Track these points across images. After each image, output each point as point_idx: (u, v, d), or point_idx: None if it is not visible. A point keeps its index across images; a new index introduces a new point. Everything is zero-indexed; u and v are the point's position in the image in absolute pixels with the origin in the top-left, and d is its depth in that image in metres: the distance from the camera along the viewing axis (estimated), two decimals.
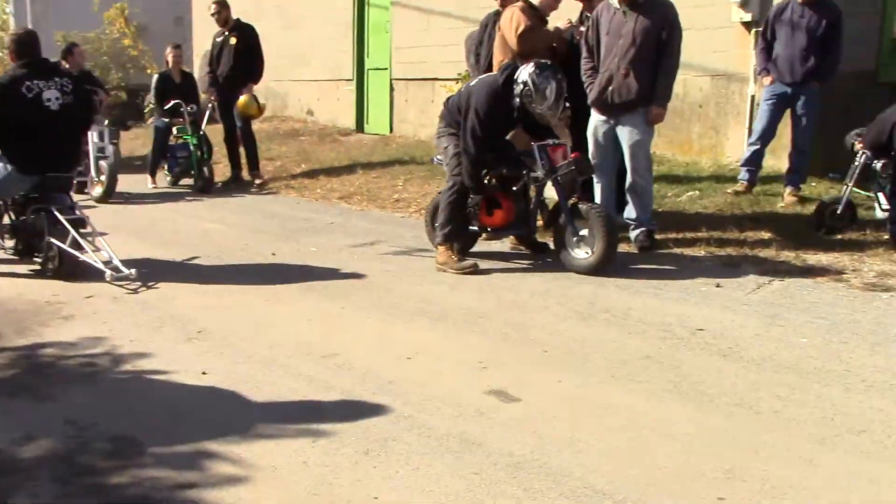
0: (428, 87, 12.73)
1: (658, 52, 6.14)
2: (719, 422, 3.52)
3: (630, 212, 6.46)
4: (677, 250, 6.29)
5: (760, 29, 7.88)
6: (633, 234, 6.46)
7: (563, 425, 3.51)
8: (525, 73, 5.88)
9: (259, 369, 4.20)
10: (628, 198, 6.48)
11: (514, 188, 6.26)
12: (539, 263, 6.17)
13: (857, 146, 6.57)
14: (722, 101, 9.04)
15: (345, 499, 2.99)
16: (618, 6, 6.21)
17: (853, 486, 2.99)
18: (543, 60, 6.05)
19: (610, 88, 6.22)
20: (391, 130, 13.47)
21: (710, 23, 8.85)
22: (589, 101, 6.40)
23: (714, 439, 3.36)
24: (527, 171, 6.11)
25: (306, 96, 15.51)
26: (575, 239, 5.90)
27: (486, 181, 6.22)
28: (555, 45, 6.64)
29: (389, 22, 13.40)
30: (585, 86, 6.43)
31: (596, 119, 6.42)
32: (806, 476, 3.06)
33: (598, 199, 6.54)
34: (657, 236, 6.48)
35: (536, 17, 6.69)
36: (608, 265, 5.76)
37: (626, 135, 6.28)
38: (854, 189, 6.56)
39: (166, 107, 10.04)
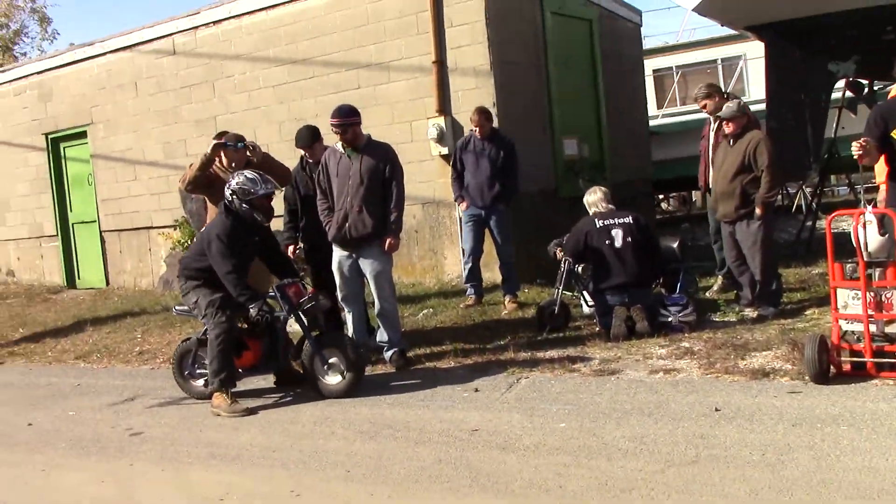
0: (143, 235, 12.69)
1: (384, 187, 6.85)
2: (520, 502, 4.07)
3: (382, 335, 7.03)
4: (430, 364, 6.92)
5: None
6: (387, 354, 7.01)
7: None
8: (226, 190, 6.39)
9: None
10: (378, 322, 7.05)
11: (257, 329, 6.60)
12: (306, 393, 6.48)
13: (559, 254, 7.67)
14: (435, 226, 10.02)
15: None
16: (342, 150, 6.88)
17: None
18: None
19: (347, 225, 6.82)
20: (107, 283, 13.16)
21: (414, 156, 9.88)
22: (329, 238, 6.96)
23: None
24: (269, 310, 6.45)
25: (3, 256, 14.68)
26: (325, 367, 6.36)
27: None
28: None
29: (91, 174, 13.24)
30: (324, 224, 6.99)
31: (339, 254, 6.97)
32: None
33: (349, 327, 7.06)
34: (409, 354, 7.08)
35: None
36: (359, 385, 6.31)
37: (368, 266, 6.88)
38: (563, 291, 7.61)
39: None
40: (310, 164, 7.45)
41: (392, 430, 5.39)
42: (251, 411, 6.12)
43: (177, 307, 6.98)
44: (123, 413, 6.55)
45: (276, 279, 6.60)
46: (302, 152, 7.60)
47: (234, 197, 6.33)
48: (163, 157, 12.24)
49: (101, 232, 13.21)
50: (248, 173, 6.45)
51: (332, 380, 6.35)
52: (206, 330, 6.43)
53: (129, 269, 12.93)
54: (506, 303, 8.50)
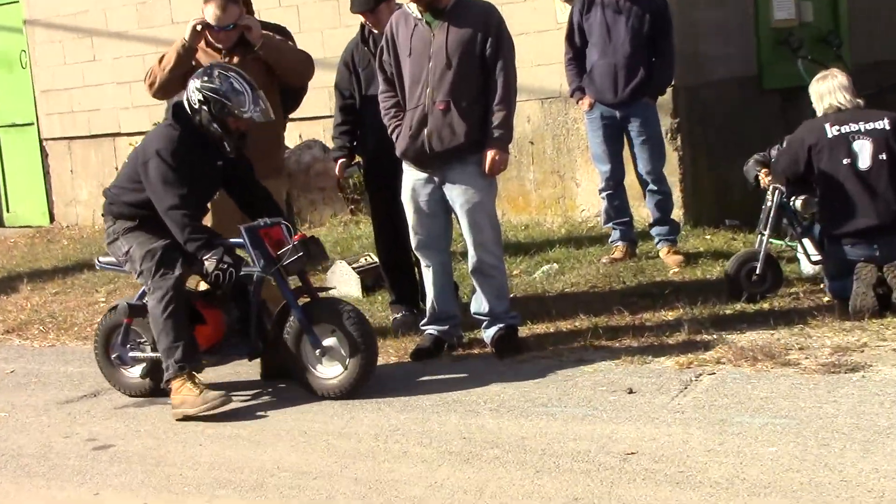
0: (107, 146, 12.91)
1: (484, 72, 6.77)
2: None
3: (479, 303, 7.01)
4: (554, 349, 6.92)
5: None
6: (487, 333, 7.02)
7: None
8: (192, 87, 6.50)
9: None
10: (474, 284, 7.04)
11: (219, 292, 6.69)
12: (366, 392, 6.52)
13: (764, 179, 7.51)
14: (561, 134, 9.95)
15: None
16: (419, 16, 6.81)
17: None
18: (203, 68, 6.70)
19: (426, 131, 6.77)
20: (52, 219, 13.48)
21: (529, 24, 9.79)
22: (398, 153, 6.93)
23: None
24: (234, 264, 6.46)
25: None
26: (318, 352, 6.45)
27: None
28: None
29: (26, 52, 13.47)
30: (389, 129, 6.99)
31: (412, 177, 6.95)
32: None
33: (429, 289, 7.06)
34: (521, 333, 7.09)
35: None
36: (367, 380, 6.41)
37: (458, 196, 6.83)
38: (770, 239, 7.46)
39: None
40: (374, 36, 7.43)
41: (498, 449, 5.38)
42: (227, 401, 6.31)
43: (100, 259, 7.18)
44: (82, 415, 6.69)
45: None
46: (361, 19, 7.57)
47: (205, 106, 6.43)
48: (136, 24, 12.39)
49: (41, 141, 13.53)
50: (236, 77, 6.49)
51: (328, 371, 6.48)
52: (142, 293, 6.60)
53: (86, 197, 13.17)
54: (662, 255, 8.54)
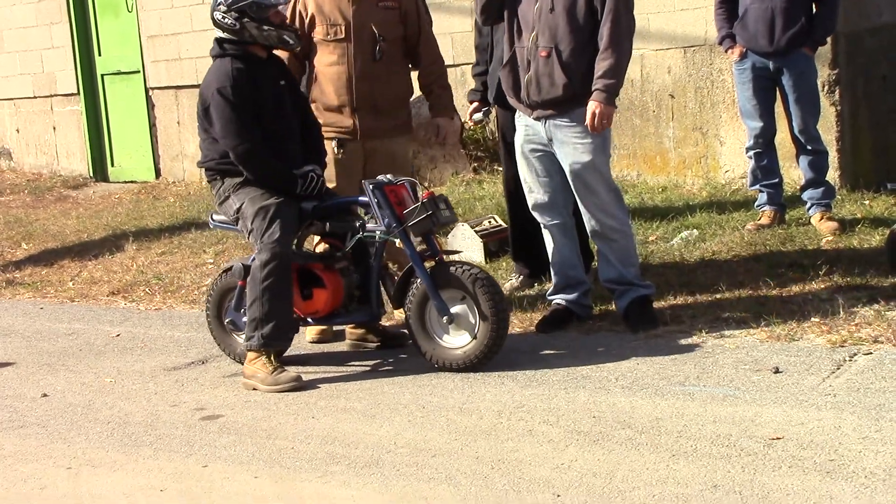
0: None
1: (596, 18, 6.68)
2: None
3: (607, 270, 7.01)
4: (693, 324, 6.89)
5: None
6: (618, 304, 7.04)
7: None
8: (218, 18, 6.58)
9: None
10: (598, 250, 7.08)
11: (338, 253, 6.83)
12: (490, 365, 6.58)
13: None
14: (705, 87, 9.84)
15: None
16: None
17: None
18: None
19: (527, 77, 6.79)
20: (158, 174, 13.73)
21: None
22: (506, 97, 7.05)
23: None
24: (359, 223, 6.67)
25: None
26: (445, 319, 6.50)
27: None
28: None
29: None
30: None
31: (522, 134, 7.00)
32: None
33: (550, 254, 7.10)
34: (655, 304, 7.10)
35: None
36: (497, 352, 6.44)
37: (565, 156, 6.81)
38: None
39: None
40: None
41: (630, 430, 5.41)
42: (300, 385, 6.47)
43: (213, 216, 7.29)
44: (190, 383, 6.87)
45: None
46: None
47: (245, 19, 6.50)
48: None
49: (147, 90, 13.74)
50: None
51: (455, 340, 6.54)
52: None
53: (193, 150, 13.30)
54: (814, 221, 8.42)
